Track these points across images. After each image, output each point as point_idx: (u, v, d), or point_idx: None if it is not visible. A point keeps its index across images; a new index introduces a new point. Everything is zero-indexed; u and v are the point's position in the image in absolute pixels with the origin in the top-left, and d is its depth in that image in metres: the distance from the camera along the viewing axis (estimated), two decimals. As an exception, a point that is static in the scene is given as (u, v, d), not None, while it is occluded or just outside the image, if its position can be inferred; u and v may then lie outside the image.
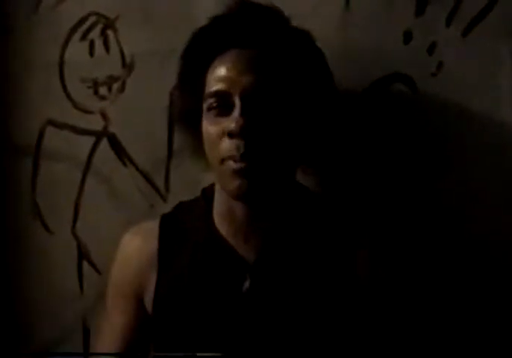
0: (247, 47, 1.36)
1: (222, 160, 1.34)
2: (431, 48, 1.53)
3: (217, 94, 1.35)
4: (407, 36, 1.54)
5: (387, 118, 1.57)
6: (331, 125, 1.45)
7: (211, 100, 1.36)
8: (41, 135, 1.90)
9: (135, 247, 1.51)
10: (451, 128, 1.52)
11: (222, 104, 1.35)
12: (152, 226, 1.51)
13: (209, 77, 1.38)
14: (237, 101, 1.33)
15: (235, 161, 1.32)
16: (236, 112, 1.32)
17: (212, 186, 1.49)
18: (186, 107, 1.44)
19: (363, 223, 1.47)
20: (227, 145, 1.33)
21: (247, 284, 1.39)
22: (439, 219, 1.53)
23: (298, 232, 1.42)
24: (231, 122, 1.32)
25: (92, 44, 1.84)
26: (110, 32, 1.82)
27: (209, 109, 1.37)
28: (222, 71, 1.36)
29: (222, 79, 1.35)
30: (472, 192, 1.51)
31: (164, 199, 1.79)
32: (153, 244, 1.48)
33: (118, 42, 1.81)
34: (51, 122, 1.88)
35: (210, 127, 1.36)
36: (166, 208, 1.59)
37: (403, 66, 1.55)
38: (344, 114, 1.55)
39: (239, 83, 1.33)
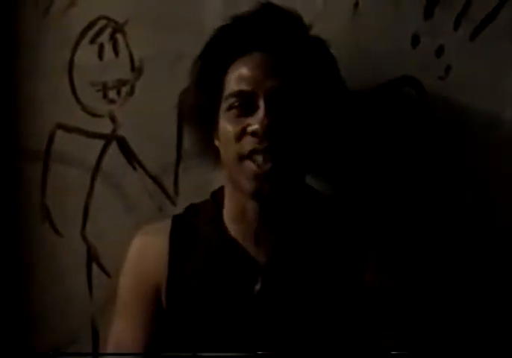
0: (269, 51, 1.37)
1: (241, 158, 1.35)
2: (439, 52, 1.53)
3: (241, 94, 1.36)
4: (415, 40, 1.54)
5: (396, 121, 1.57)
6: (342, 127, 1.47)
7: (233, 99, 1.37)
8: (51, 139, 1.90)
9: (148, 247, 1.51)
10: (459, 131, 1.52)
11: (244, 104, 1.36)
12: (164, 226, 1.51)
13: (230, 77, 1.39)
14: (261, 102, 1.34)
15: (256, 162, 1.33)
16: (260, 113, 1.33)
17: (221, 188, 1.49)
18: (200, 105, 1.44)
19: (372, 226, 1.47)
20: (249, 142, 1.34)
21: (258, 286, 1.40)
22: (447, 222, 1.54)
23: (309, 234, 1.42)
24: (255, 122, 1.33)
25: (101, 48, 1.84)
26: (119, 36, 1.83)
27: (230, 108, 1.37)
28: (246, 71, 1.37)
29: (246, 79, 1.36)
30: (481, 193, 1.51)
31: (173, 202, 1.79)
32: (165, 243, 1.49)
33: (127, 45, 1.82)
34: (61, 126, 1.88)
35: (229, 125, 1.37)
36: (175, 211, 1.59)
37: (411, 69, 1.55)
38: (353, 117, 1.55)
39: (264, 85, 1.34)
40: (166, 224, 1.51)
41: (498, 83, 1.50)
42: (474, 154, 1.51)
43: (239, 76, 1.37)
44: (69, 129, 1.88)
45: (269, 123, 1.32)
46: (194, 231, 1.48)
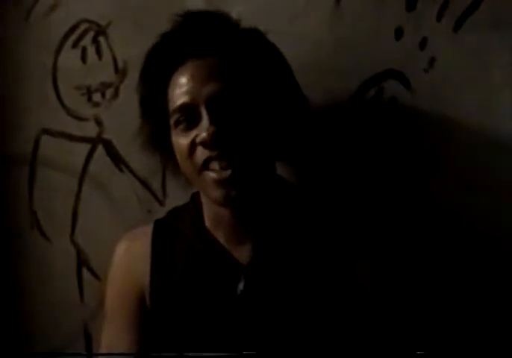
0: (202, 55, 1.35)
1: (200, 170, 1.34)
2: (423, 44, 1.53)
3: (182, 108, 1.34)
4: (399, 33, 1.54)
5: (380, 114, 1.57)
6: (301, 118, 1.44)
7: (177, 115, 1.35)
8: (36, 144, 1.89)
9: (131, 252, 1.51)
10: (445, 123, 1.52)
11: (189, 117, 1.34)
12: (146, 230, 1.52)
13: (171, 93, 1.37)
14: (204, 111, 1.32)
15: (214, 170, 1.32)
16: (205, 122, 1.31)
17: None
18: (154, 130, 1.43)
19: (355, 219, 1.47)
20: (201, 153, 1.32)
21: (241, 286, 1.39)
22: (432, 217, 1.53)
23: (289, 231, 1.42)
24: (202, 131, 1.31)
25: (84, 51, 1.84)
26: (101, 39, 1.82)
27: (176, 124, 1.36)
28: (182, 84, 1.35)
29: (184, 92, 1.34)
30: (468, 187, 1.51)
31: (161, 204, 1.79)
32: (147, 247, 1.49)
33: (110, 48, 1.82)
34: (46, 131, 1.88)
35: (180, 141, 1.36)
36: (164, 213, 1.58)
37: (395, 62, 1.55)
38: (337, 111, 1.55)
39: (201, 93, 1.32)
40: (148, 229, 1.52)
41: (482, 74, 1.49)
42: (460, 145, 1.51)
43: (177, 89, 1.35)
44: (54, 133, 1.88)
45: (215, 130, 1.30)
46: (175, 234, 1.48)
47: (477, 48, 1.50)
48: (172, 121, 1.37)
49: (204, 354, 1.31)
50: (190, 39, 1.36)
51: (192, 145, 1.33)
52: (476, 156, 1.50)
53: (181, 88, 1.34)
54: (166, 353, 1.41)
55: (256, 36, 1.41)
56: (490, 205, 1.49)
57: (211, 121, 1.31)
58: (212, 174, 1.32)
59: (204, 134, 1.30)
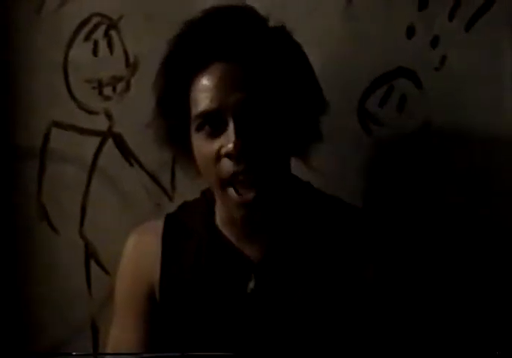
0: (230, 59, 1.31)
1: (222, 183, 1.31)
2: (434, 42, 1.53)
3: (207, 113, 1.31)
4: (410, 31, 1.54)
5: (391, 112, 1.57)
6: (319, 120, 1.41)
7: (200, 119, 1.32)
8: (46, 136, 1.89)
9: (142, 247, 1.50)
10: (455, 121, 1.52)
11: (213, 123, 1.31)
12: (157, 225, 1.51)
13: (194, 94, 1.33)
14: (230, 121, 1.29)
15: (238, 190, 1.30)
16: (231, 132, 1.28)
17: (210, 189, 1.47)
18: (172, 127, 1.39)
19: (368, 220, 1.45)
20: (227, 166, 1.30)
21: (252, 284, 1.39)
22: (444, 217, 1.54)
23: (301, 230, 1.41)
24: (227, 143, 1.28)
25: (95, 44, 1.84)
26: (113, 32, 1.82)
27: (199, 128, 1.32)
28: (207, 88, 1.31)
29: (210, 98, 1.30)
30: (481, 187, 1.51)
31: (170, 198, 1.79)
32: (158, 242, 1.48)
33: (121, 42, 1.82)
34: (57, 124, 1.88)
35: (203, 147, 1.32)
36: (173, 207, 1.58)
37: (406, 60, 1.55)
38: (347, 109, 1.55)
39: (229, 100, 1.29)
40: (159, 223, 1.51)
41: (494, 73, 1.50)
42: (472, 144, 1.51)
43: (203, 94, 1.31)
44: (64, 126, 1.88)
45: (241, 142, 1.27)
46: (186, 230, 1.47)
47: (488, 47, 1.50)
48: (194, 125, 1.33)
49: (209, 354, 1.30)
50: (217, 40, 1.31)
51: (218, 155, 1.30)
52: (489, 155, 1.50)
53: (207, 92, 1.30)
54: (173, 349, 1.41)
55: (282, 36, 1.37)
56: (504, 207, 1.49)
57: (237, 132, 1.28)
58: (235, 195, 1.30)
59: (230, 146, 1.27)
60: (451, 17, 1.52)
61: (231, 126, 1.28)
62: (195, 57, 1.32)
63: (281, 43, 1.36)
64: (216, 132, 1.31)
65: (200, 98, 1.32)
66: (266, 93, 1.31)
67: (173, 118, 1.38)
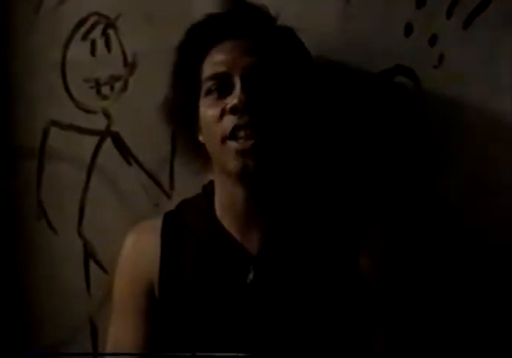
0: (241, 37, 1.39)
1: (223, 139, 1.36)
2: (433, 41, 1.53)
3: (216, 76, 1.38)
4: (408, 29, 1.54)
5: (389, 110, 1.57)
6: (317, 106, 1.46)
7: (210, 83, 1.39)
8: (45, 136, 1.90)
9: (140, 246, 1.51)
10: (453, 119, 1.52)
11: (222, 86, 1.38)
12: (155, 224, 1.52)
13: (205, 66, 1.41)
14: (237, 80, 1.36)
15: (238, 140, 1.34)
16: (237, 90, 1.35)
17: (212, 182, 1.50)
18: (180, 103, 1.45)
19: (364, 215, 1.47)
20: (230, 120, 1.35)
21: (251, 276, 1.40)
22: (440, 211, 1.54)
23: (301, 223, 1.42)
24: (233, 99, 1.34)
25: (93, 44, 1.84)
26: (111, 31, 1.82)
27: (207, 93, 1.39)
28: (220, 55, 1.39)
29: (220, 62, 1.38)
30: (477, 183, 1.51)
31: (169, 197, 1.79)
32: (157, 240, 1.49)
33: (119, 41, 1.82)
34: (55, 123, 1.88)
35: (209, 109, 1.39)
36: (171, 206, 1.59)
37: (404, 58, 1.55)
38: (345, 107, 1.55)
39: (238, 64, 1.37)
40: (158, 222, 1.52)
41: (492, 71, 1.50)
42: (469, 142, 1.51)
43: (213, 61, 1.39)
44: (63, 126, 1.88)
45: (246, 98, 1.34)
46: (185, 227, 1.48)
47: (486, 45, 1.50)
48: (203, 90, 1.40)
49: (210, 354, 1.31)
50: (231, 22, 1.41)
51: (222, 114, 1.36)
52: (486, 153, 1.50)
53: (218, 58, 1.39)
54: (175, 346, 1.41)
55: (289, 31, 1.45)
56: (497, 203, 1.49)
57: (243, 89, 1.34)
58: (235, 144, 1.34)
59: (235, 100, 1.33)
60: (449, 15, 1.52)
61: (238, 85, 1.35)
62: (209, 35, 1.41)
63: (286, 31, 1.45)
64: (223, 95, 1.37)
65: (211, 65, 1.40)
66: (271, 62, 1.38)
67: (184, 89, 1.44)
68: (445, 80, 1.52)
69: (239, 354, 1.31)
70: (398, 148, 1.56)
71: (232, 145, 1.35)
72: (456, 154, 1.52)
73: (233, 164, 1.35)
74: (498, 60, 1.49)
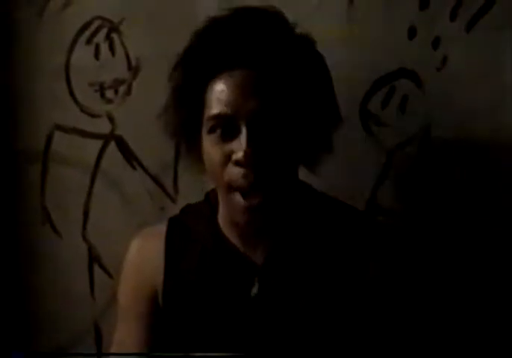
0: (251, 67, 1.29)
1: (229, 188, 1.30)
2: (436, 43, 1.53)
3: (220, 117, 1.29)
4: (412, 32, 1.54)
5: (392, 113, 1.57)
6: (332, 128, 1.39)
7: (213, 122, 1.30)
8: (49, 140, 1.90)
9: (145, 252, 1.50)
10: (458, 123, 1.52)
11: (225, 127, 1.29)
12: (160, 229, 1.50)
13: (210, 96, 1.32)
14: (243, 127, 1.27)
15: (244, 195, 1.29)
16: (243, 140, 1.27)
17: (214, 190, 1.46)
18: (182, 123, 1.38)
19: (371, 224, 1.44)
20: (234, 172, 1.29)
21: (255, 288, 1.38)
22: (446, 217, 1.54)
23: (306, 234, 1.40)
24: (238, 149, 1.27)
25: (97, 48, 1.85)
26: (115, 35, 1.83)
27: (211, 131, 1.31)
28: (225, 93, 1.29)
29: (225, 102, 1.28)
30: (483, 184, 1.51)
31: (173, 201, 1.79)
32: (161, 246, 1.47)
33: (123, 45, 1.82)
34: (59, 127, 1.89)
35: (213, 150, 1.31)
36: (176, 209, 1.58)
37: (408, 61, 1.55)
38: (349, 111, 1.55)
39: (245, 107, 1.27)
40: (162, 227, 1.50)
41: (495, 73, 1.49)
42: (473, 145, 1.51)
43: (219, 97, 1.29)
44: (67, 130, 1.89)
45: (252, 152, 1.26)
46: (189, 234, 1.47)
47: (489, 47, 1.50)
48: (206, 127, 1.32)
49: (210, 354, 1.30)
50: (240, 46, 1.29)
51: (226, 160, 1.29)
52: (487, 155, 1.50)
53: (223, 97, 1.29)
54: (176, 352, 1.41)
55: (306, 46, 1.35)
56: (505, 205, 1.50)
57: (249, 140, 1.26)
58: (241, 201, 1.29)
59: (240, 154, 1.26)
60: (452, 17, 1.52)
61: (244, 133, 1.27)
62: (216, 59, 1.30)
63: (303, 53, 1.34)
64: (227, 136, 1.29)
65: (215, 101, 1.30)
66: (282, 103, 1.29)
67: (185, 113, 1.36)
68: (448, 82, 1.52)
69: (236, 354, 1.30)
70: (400, 151, 1.56)
71: (239, 200, 1.30)
72: (459, 154, 1.52)
73: (240, 218, 1.31)
74: (501, 62, 1.49)
